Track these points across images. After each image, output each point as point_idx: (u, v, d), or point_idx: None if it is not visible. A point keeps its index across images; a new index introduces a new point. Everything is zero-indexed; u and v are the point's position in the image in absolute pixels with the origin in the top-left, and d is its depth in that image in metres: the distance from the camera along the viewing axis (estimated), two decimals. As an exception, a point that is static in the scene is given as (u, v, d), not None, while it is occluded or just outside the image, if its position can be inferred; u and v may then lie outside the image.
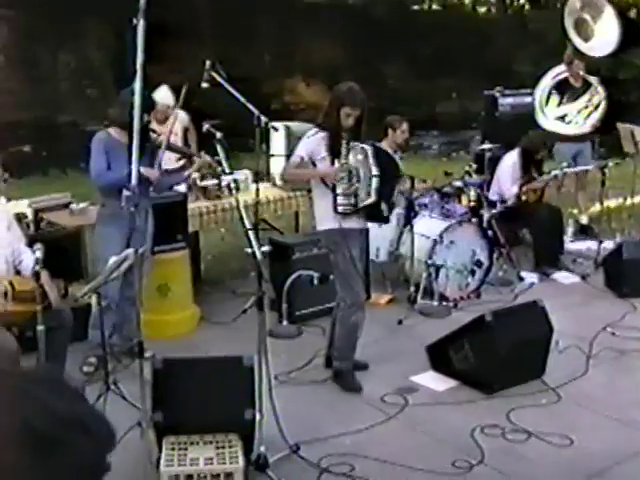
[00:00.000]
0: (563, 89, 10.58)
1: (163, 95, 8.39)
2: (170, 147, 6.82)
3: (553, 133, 10.47)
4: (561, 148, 10.50)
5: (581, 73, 10.46)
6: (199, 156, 7.21)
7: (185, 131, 8.79)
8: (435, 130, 17.21)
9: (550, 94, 10.60)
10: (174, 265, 7.42)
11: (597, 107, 10.48)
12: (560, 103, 10.55)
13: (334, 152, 6.10)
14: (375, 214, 6.34)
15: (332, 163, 6.09)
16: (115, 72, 11.14)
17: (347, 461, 5.41)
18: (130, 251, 5.33)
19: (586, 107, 10.49)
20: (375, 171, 6.12)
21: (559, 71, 10.64)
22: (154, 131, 6.61)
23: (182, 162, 7.11)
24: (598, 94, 10.49)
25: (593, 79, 10.56)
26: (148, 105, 6.31)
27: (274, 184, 8.83)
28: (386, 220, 6.50)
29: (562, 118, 10.54)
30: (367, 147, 6.16)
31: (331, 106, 6.16)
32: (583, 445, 5.65)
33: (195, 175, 8.07)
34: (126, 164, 6.39)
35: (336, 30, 16.53)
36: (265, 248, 7.57)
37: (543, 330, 6.64)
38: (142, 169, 6.28)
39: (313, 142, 6.18)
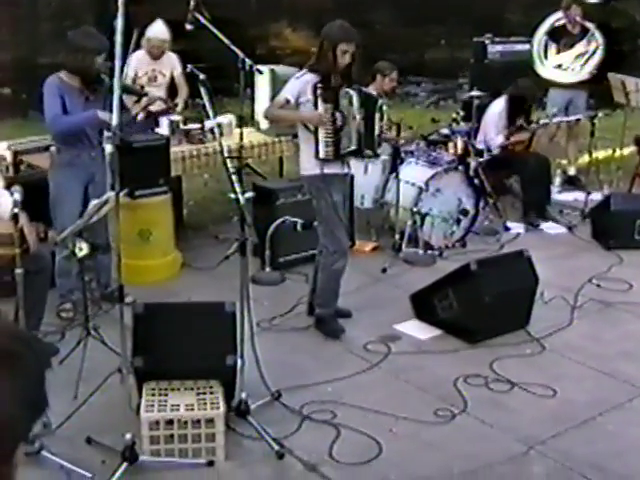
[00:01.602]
0: (560, 36, 10.47)
1: (157, 30, 8.27)
2: (125, 89, 6.68)
3: (546, 81, 10.38)
4: (554, 95, 10.41)
5: (578, 19, 10.34)
6: (145, 94, 7.07)
7: (172, 72, 8.64)
8: (423, 77, 17.07)
9: (547, 42, 10.49)
10: (156, 210, 7.33)
11: (594, 54, 10.39)
12: (559, 50, 10.44)
13: (321, 95, 5.99)
14: (361, 156, 6.36)
15: (315, 106, 5.99)
16: (96, 12, 11.02)
17: (329, 408, 5.42)
18: (110, 194, 5.23)
19: (583, 54, 10.39)
20: (358, 117, 6.04)
21: (556, 18, 10.52)
22: (106, 74, 6.45)
23: (142, 103, 6.97)
24: (596, 41, 10.40)
25: (591, 25, 10.45)
26: (101, 47, 6.17)
27: (258, 129, 8.71)
28: (373, 156, 6.49)
29: (559, 66, 10.45)
30: (352, 92, 6.07)
31: (325, 46, 6.02)
32: (566, 396, 5.66)
33: (176, 118, 7.96)
34: (82, 109, 6.29)
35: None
36: (249, 194, 7.48)
37: (528, 280, 6.61)
38: (100, 113, 6.17)
39: (301, 83, 6.07)
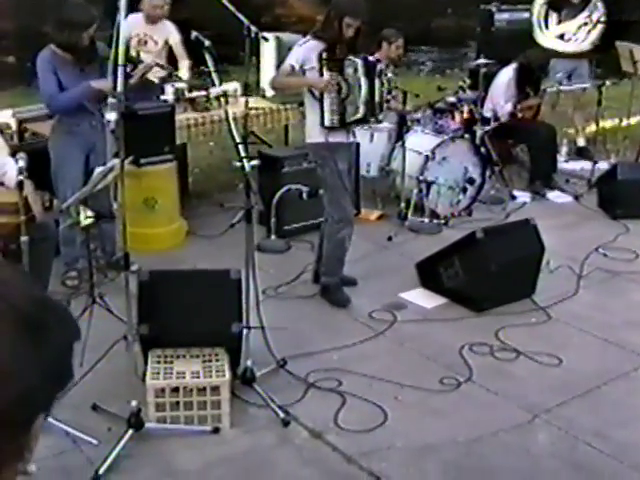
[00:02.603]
0: (561, 5, 10.39)
1: None
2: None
3: (549, 50, 10.31)
4: (557, 65, 10.34)
5: None
6: (141, 61, 7.01)
7: (166, 41, 8.52)
8: (430, 46, 16.99)
9: (548, 11, 10.41)
10: (161, 178, 7.31)
11: (596, 24, 10.31)
12: (560, 21, 10.37)
13: (326, 63, 5.96)
14: (364, 124, 6.32)
15: (321, 74, 5.96)
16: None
17: (334, 376, 5.42)
18: (116, 162, 5.21)
19: (585, 24, 10.32)
20: (364, 86, 6.03)
21: None
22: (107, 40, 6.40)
23: (138, 71, 6.90)
24: (597, 10, 10.31)
25: None
26: (89, 20, 6.09)
27: (264, 96, 8.67)
28: (376, 122, 6.47)
29: (561, 36, 10.37)
30: (357, 60, 6.05)
31: (331, 16, 6.00)
32: (571, 365, 5.67)
33: (182, 85, 7.90)
34: (77, 82, 6.22)
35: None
36: (254, 162, 7.45)
37: (534, 249, 6.60)
38: (93, 82, 6.12)
39: (305, 50, 6.04)
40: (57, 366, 1.29)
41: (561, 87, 9.47)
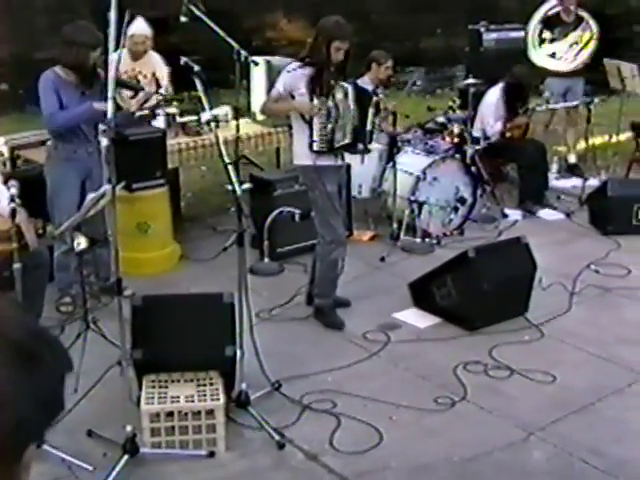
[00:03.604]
0: (554, 24, 10.46)
1: (139, 26, 8.20)
2: (120, 83, 6.66)
3: (540, 68, 10.38)
4: (552, 83, 10.41)
5: (573, 8, 10.33)
6: (142, 88, 7.04)
7: (154, 73, 8.54)
8: (419, 66, 17.04)
9: (542, 30, 10.48)
10: (153, 202, 7.33)
11: (588, 43, 10.38)
12: (553, 39, 10.44)
13: (315, 89, 6.00)
14: (352, 151, 6.32)
15: (311, 100, 5.99)
16: (92, 6, 10.96)
17: (329, 398, 5.43)
18: (107, 188, 5.23)
19: (577, 43, 10.39)
20: (353, 111, 6.06)
21: (551, 5, 10.51)
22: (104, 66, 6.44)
23: (140, 99, 6.93)
24: (590, 30, 10.39)
25: (585, 14, 10.44)
26: (96, 41, 6.14)
27: (255, 120, 8.70)
28: (365, 152, 6.43)
29: (553, 55, 10.44)
30: (347, 86, 6.08)
31: (319, 41, 6.02)
32: (565, 382, 5.68)
33: (173, 110, 7.93)
34: (79, 103, 6.26)
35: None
36: (246, 185, 7.48)
37: (526, 267, 6.62)
38: (95, 104, 6.15)
39: (293, 76, 6.07)
40: (49, 396, 1.30)
41: (550, 106, 9.51)
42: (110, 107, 4.91)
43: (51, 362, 1.31)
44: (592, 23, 10.40)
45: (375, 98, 6.41)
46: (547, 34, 10.48)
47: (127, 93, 7.02)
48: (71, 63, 6.27)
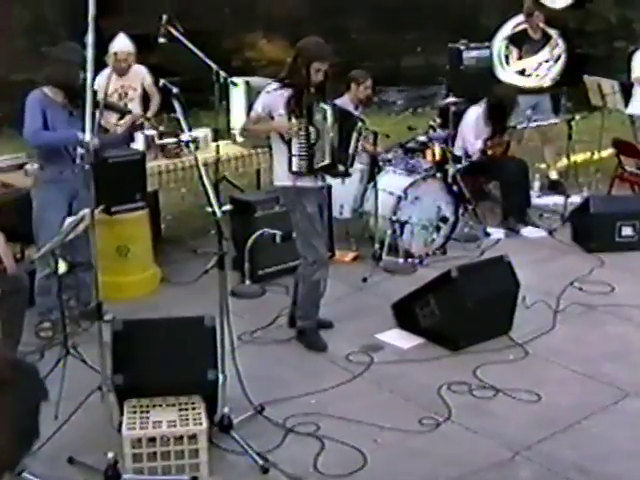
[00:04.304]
0: (521, 41, 10.50)
1: (122, 43, 8.19)
2: (107, 106, 6.64)
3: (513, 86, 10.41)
4: (519, 100, 10.43)
5: (541, 25, 10.37)
6: (129, 111, 7.03)
7: (142, 84, 8.56)
8: (400, 85, 17.06)
9: (508, 46, 10.52)
10: (133, 225, 7.29)
11: (557, 60, 10.42)
12: (520, 56, 10.47)
13: (295, 110, 5.98)
14: (332, 173, 6.29)
15: (290, 120, 5.98)
16: (69, 28, 10.93)
17: (312, 420, 5.39)
18: (86, 211, 5.20)
19: (546, 61, 10.42)
20: (332, 132, 6.05)
21: (517, 22, 10.55)
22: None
23: (123, 121, 6.94)
24: (558, 47, 10.43)
25: (553, 32, 10.49)
26: (82, 62, 6.13)
27: (235, 141, 8.68)
28: (346, 175, 6.40)
29: (521, 72, 10.46)
30: (327, 107, 6.07)
31: (299, 62, 6.01)
32: (551, 400, 5.66)
33: (152, 132, 7.90)
34: (66, 123, 6.24)
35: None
36: (226, 207, 7.44)
37: (509, 285, 6.60)
38: (80, 134, 6.11)
39: (273, 97, 6.06)
40: (24, 426, 1.27)
41: (532, 123, 9.53)
42: (88, 132, 4.87)
43: (26, 391, 1.28)
44: (560, 40, 10.43)
45: (360, 124, 6.40)
46: (514, 51, 10.51)
47: (114, 115, 7.01)
48: (61, 82, 6.30)
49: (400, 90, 16.93)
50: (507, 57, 10.51)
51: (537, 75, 10.46)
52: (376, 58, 15.30)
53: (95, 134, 5.93)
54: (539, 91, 10.47)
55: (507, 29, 10.59)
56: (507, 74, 10.48)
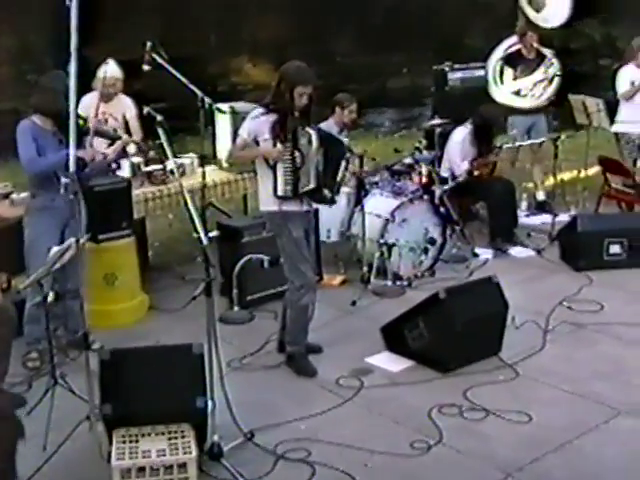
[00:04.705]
0: (516, 61, 10.55)
1: (111, 69, 8.16)
2: (97, 132, 6.64)
3: (506, 106, 10.45)
4: (515, 121, 10.47)
5: (535, 45, 10.43)
6: (119, 137, 7.02)
7: (124, 116, 8.52)
8: (386, 107, 17.12)
9: (503, 67, 10.57)
10: (120, 253, 7.28)
11: (552, 80, 10.47)
12: (515, 77, 10.52)
13: (279, 135, 5.99)
14: (318, 198, 6.28)
15: (275, 146, 5.99)
16: (55, 56, 10.93)
17: (303, 446, 5.35)
18: (72, 240, 5.19)
19: (542, 80, 10.47)
20: (317, 157, 6.06)
21: (511, 43, 10.61)
22: (80, 116, 6.41)
23: (117, 147, 6.93)
24: (553, 66, 10.48)
25: (547, 51, 10.54)
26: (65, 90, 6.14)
27: (221, 167, 8.68)
28: (331, 202, 6.39)
29: (517, 92, 10.51)
30: (312, 131, 6.07)
31: (282, 87, 6.02)
32: (542, 421, 5.64)
33: (138, 160, 7.89)
34: (56, 151, 6.24)
35: (282, 6, 16.36)
36: (213, 232, 7.43)
37: (498, 306, 6.60)
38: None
39: (258, 123, 6.07)
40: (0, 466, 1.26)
41: (517, 143, 9.56)
42: (72, 162, 4.87)
43: (3, 431, 1.27)
44: (555, 60, 10.49)
45: (347, 154, 6.42)
46: (509, 71, 10.56)
47: (104, 142, 7.00)
48: (49, 110, 6.30)
49: (386, 112, 16.99)
50: (502, 77, 10.55)
51: (533, 95, 10.51)
52: (362, 80, 15.38)
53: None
54: (535, 111, 10.52)
55: (500, 50, 10.65)
56: (502, 95, 10.53)
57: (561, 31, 11.50)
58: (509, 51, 10.66)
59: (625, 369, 6.38)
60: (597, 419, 5.64)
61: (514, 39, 10.58)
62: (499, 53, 10.65)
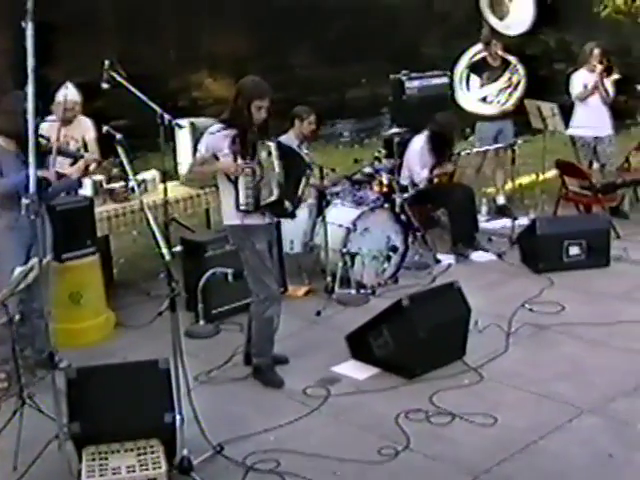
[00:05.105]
0: (482, 69, 10.68)
1: (69, 92, 8.16)
2: (60, 151, 6.64)
3: (471, 113, 10.58)
4: (482, 127, 10.62)
5: (499, 52, 10.57)
6: (82, 156, 7.03)
7: (84, 137, 8.50)
8: (346, 117, 17.18)
9: (469, 75, 10.69)
10: (85, 271, 7.27)
11: (517, 86, 10.61)
12: (482, 84, 10.64)
13: (239, 149, 6.04)
14: (279, 211, 6.30)
15: (235, 160, 6.03)
16: (14, 78, 10.92)
17: (272, 457, 5.37)
18: (35, 261, 5.20)
19: (507, 87, 10.61)
20: (277, 169, 6.09)
21: (476, 51, 10.73)
22: (42, 136, 6.42)
23: (81, 166, 6.93)
24: (518, 73, 10.63)
25: (512, 58, 10.69)
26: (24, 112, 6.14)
27: (183, 182, 8.71)
28: (292, 216, 6.44)
29: (484, 99, 10.63)
30: (271, 144, 6.12)
31: (239, 102, 6.06)
32: (507, 422, 5.70)
33: (99, 178, 7.89)
34: (18, 172, 6.23)
35: (239, 20, 16.38)
36: (177, 248, 7.46)
37: (461, 311, 6.67)
38: (38, 172, 6.11)
39: (216, 138, 6.10)
40: None
41: (475, 149, 9.68)
42: (32, 183, 4.88)
43: None
44: (519, 66, 10.64)
45: (308, 171, 6.49)
46: (476, 79, 10.68)
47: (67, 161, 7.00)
48: (11, 131, 6.26)
49: (346, 122, 17.05)
50: (468, 86, 10.67)
51: (498, 102, 10.63)
52: (321, 92, 15.42)
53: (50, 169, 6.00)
54: (502, 117, 10.65)
55: (466, 58, 10.77)
56: (470, 102, 10.66)
57: (518, 38, 11.63)
58: (474, 59, 10.79)
59: (587, 368, 6.48)
60: (561, 419, 5.71)
61: (479, 47, 10.71)
62: (465, 62, 10.78)
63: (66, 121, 8.14)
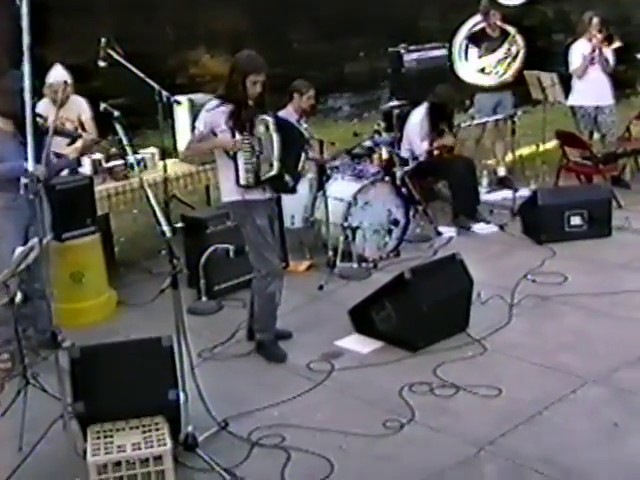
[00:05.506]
0: (480, 40, 10.63)
1: (57, 74, 8.12)
2: (57, 131, 6.61)
3: (470, 84, 10.54)
4: (482, 99, 10.60)
5: (498, 23, 10.51)
6: (80, 135, 6.99)
7: (79, 117, 8.46)
8: (345, 91, 17.11)
9: (468, 46, 10.64)
10: (86, 251, 7.26)
11: (516, 57, 10.56)
12: (480, 55, 10.59)
13: (236, 125, 6.01)
14: (279, 185, 6.27)
15: (233, 136, 6.00)
16: (11, 58, 10.89)
17: (277, 432, 5.39)
18: (35, 241, 5.18)
19: (505, 57, 10.56)
20: (277, 143, 6.06)
21: (475, 22, 10.68)
22: (40, 116, 6.39)
23: (74, 145, 6.90)
24: (516, 43, 10.58)
25: (511, 29, 10.64)
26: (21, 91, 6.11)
27: (182, 160, 8.68)
28: (292, 191, 6.41)
29: (482, 70, 10.59)
30: (268, 118, 6.09)
31: (234, 77, 6.04)
32: (511, 394, 5.71)
33: (98, 156, 7.86)
34: (16, 153, 6.20)
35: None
36: (178, 225, 7.45)
37: (463, 283, 6.67)
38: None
39: (213, 115, 6.07)
40: None
41: (475, 121, 9.64)
42: (30, 162, 4.86)
43: None
44: (518, 37, 10.58)
45: (305, 145, 6.49)
46: (474, 50, 10.63)
47: (65, 141, 6.97)
48: (9, 111, 6.23)
49: (345, 96, 16.99)
50: (467, 56, 10.63)
51: (497, 73, 10.59)
52: (320, 66, 15.34)
53: (43, 162, 5.96)
54: (500, 88, 10.61)
55: (465, 29, 10.72)
56: (468, 73, 10.62)
57: (516, 9, 11.57)
58: (473, 30, 10.73)
59: (590, 339, 6.49)
60: (565, 389, 5.72)
61: (477, 18, 10.65)
62: (464, 32, 10.72)
63: (59, 103, 8.09)
